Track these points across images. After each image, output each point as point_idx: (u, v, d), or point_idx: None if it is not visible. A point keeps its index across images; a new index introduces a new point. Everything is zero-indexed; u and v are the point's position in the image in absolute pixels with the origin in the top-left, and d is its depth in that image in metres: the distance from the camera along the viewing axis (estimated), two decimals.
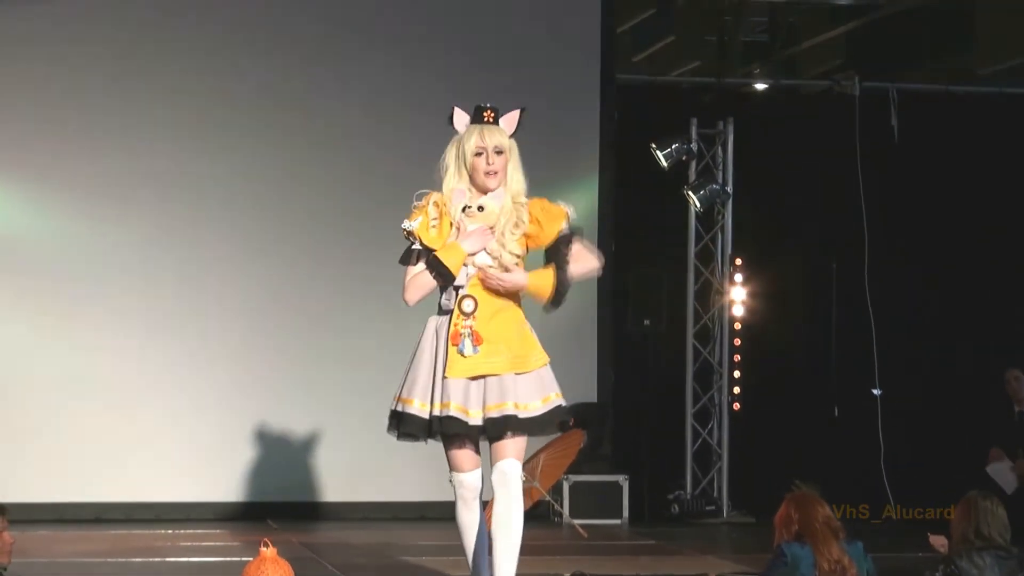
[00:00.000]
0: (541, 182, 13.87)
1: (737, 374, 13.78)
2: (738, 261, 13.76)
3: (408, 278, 6.47)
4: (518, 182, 6.60)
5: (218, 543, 10.74)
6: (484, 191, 6.51)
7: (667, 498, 13.49)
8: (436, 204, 6.48)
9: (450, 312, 6.45)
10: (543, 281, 6.60)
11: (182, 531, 11.61)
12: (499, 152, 6.51)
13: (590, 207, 13.38)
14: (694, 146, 13.68)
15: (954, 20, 13.47)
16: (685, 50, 14.47)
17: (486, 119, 6.53)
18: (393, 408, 6.53)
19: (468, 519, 6.61)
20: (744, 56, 14.28)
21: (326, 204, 13.02)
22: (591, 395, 13.23)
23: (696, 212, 13.73)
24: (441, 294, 6.53)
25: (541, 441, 9.83)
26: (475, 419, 6.40)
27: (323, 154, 13.02)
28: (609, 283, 13.40)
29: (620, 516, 12.90)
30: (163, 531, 11.58)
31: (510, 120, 6.60)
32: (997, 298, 14.03)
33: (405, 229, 6.47)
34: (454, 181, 6.50)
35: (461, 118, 6.57)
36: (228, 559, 9.37)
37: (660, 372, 13.73)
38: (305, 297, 12.94)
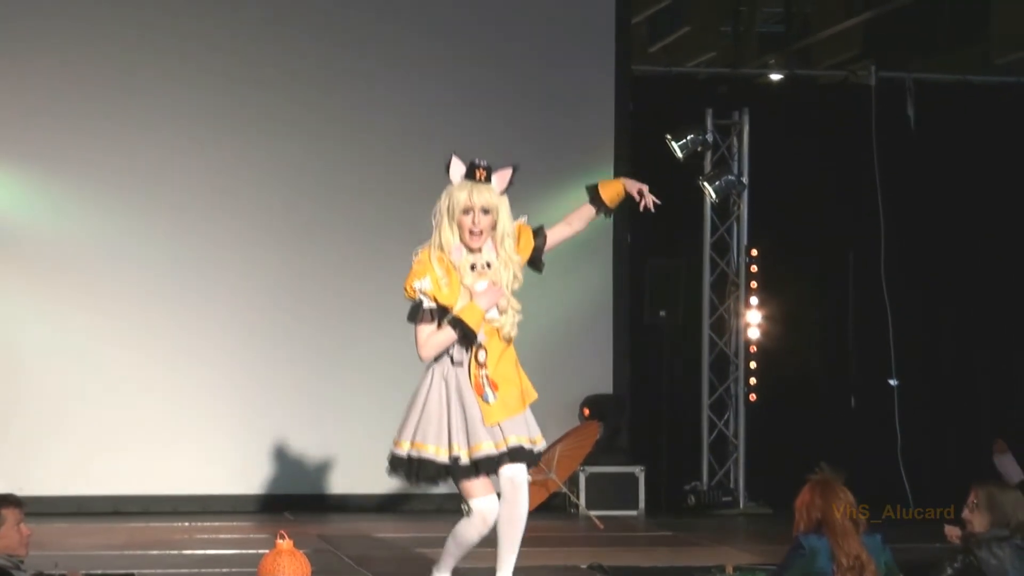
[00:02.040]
0: (556, 172, 13.96)
1: (753, 365, 13.76)
2: (754, 252, 13.74)
3: (423, 337, 6.64)
4: (509, 236, 6.69)
5: (235, 535, 10.76)
6: (469, 247, 6.63)
7: (683, 489, 13.48)
8: (440, 260, 6.58)
9: (461, 363, 6.63)
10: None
11: (199, 523, 11.63)
12: (486, 212, 6.60)
13: None
14: (709, 137, 13.66)
15: (970, 9, 13.45)
16: (700, 41, 14.48)
17: (478, 177, 6.62)
18: (402, 454, 6.66)
19: (475, 539, 6.70)
20: (759, 46, 14.29)
21: (347, 194, 13.04)
22: (607, 386, 13.24)
23: (712, 203, 13.72)
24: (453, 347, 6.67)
25: (557, 433, 9.82)
26: (502, 448, 6.60)
27: (337, 145, 13.04)
28: (625, 274, 13.42)
29: (636, 507, 12.90)
30: (180, 524, 11.60)
31: (502, 177, 6.68)
32: (1015, 289, 13.98)
33: (416, 289, 6.56)
34: (448, 234, 6.61)
35: (457, 168, 6.65)
36: (245, 551, 9.37)
37: (676, 363, 13.72)
38: (321, 290, 12.95)
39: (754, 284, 13.74)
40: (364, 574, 8.37)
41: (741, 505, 13.55)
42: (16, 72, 12.57)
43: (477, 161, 6.65)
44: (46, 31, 12.63)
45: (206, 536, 10.76)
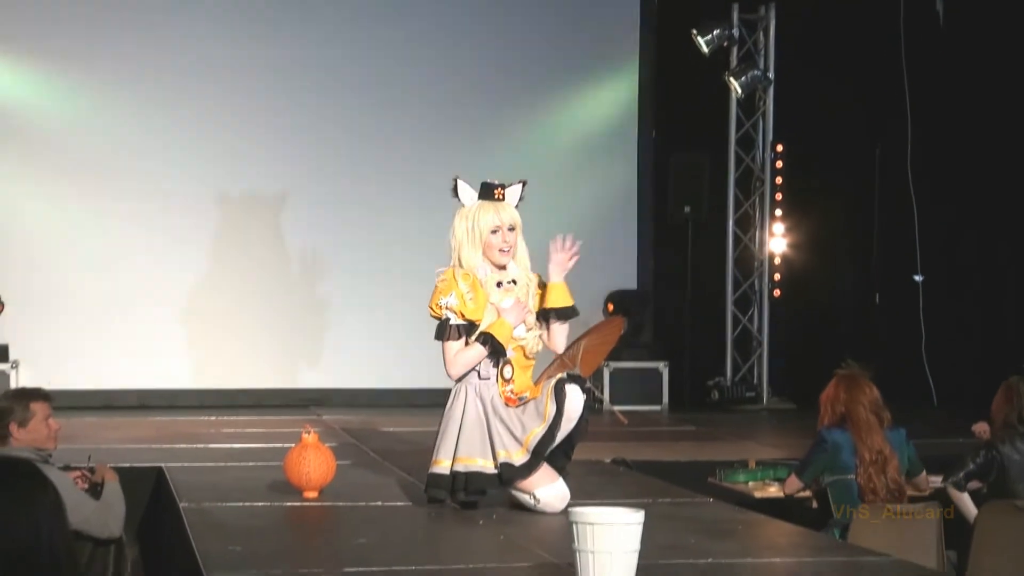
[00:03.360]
0: (581, 69, 13.86)
1: (778, 261, 13.75)
2: (779, 147, 13.69)
3: (451, 355, 6.64)
4: (526, 254, 6.73)
5: (260, 429, 10.80)
6: (496, 264, 6.62)
7: (707, 384, 13.52)
8: (465, 277, 6.58)
9: (488, 377, 6.67)
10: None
11: (225, 417, 11.68)
12: (512, 229, 6.61)
13: (630, 93, 13.33)
14: (735, 31, 13.57)
15: None
16: None
17: (497, 196, 6.61)
18: (443, 471, 6.64)
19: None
20: None
21: (370, 95, 13.02)
22: (631, 282, 13.25)
23: (737, 98, 13.65)
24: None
25: (581, 328, 9.83)
26: (544, 427, 6.60)
27: (362, 43, 13.02)
28: (650, 170, 13.37)
29: (660, 403, 12.94)
30: (206, 417, 11.65)
31: (513, 193, 6.66)
32: None
33: (443, 306, 6.56)
34: (470, 254, 6.62)
35: (466, 191, 6.63)
36: (270, 445, 9.41)
37: (701, 259, 13.71)
38: (346, 185, 12.95)
39: (779, 180, 13.69)
40: (389, 468, 8.41)
41: (764, 400, 13.58)
42: None
43: (492, 181, 6.65)
44: None
45: (232, 430, 10.81)
